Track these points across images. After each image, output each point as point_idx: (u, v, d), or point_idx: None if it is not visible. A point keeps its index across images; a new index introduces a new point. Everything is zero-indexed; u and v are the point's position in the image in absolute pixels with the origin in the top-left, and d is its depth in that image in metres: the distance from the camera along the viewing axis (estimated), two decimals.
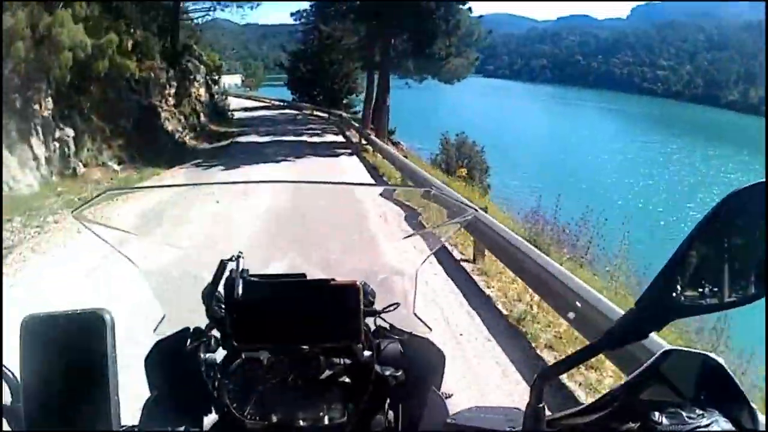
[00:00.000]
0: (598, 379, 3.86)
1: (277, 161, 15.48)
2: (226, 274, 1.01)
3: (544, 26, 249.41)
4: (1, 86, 9.22)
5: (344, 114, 27.99)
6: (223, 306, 1.03)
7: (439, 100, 70.17)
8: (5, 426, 0.79)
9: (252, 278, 1.02)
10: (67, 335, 0.74)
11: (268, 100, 44.21)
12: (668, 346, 0.69)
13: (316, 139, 21.85)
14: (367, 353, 1.05)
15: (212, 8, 27.06)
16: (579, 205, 12.91)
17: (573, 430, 0.72)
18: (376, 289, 1.11)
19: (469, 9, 22.34)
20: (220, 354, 1.04)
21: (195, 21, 27.76)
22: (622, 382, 0.69)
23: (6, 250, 6.45)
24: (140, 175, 12.74)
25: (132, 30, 15.88)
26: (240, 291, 0.98)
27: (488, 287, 5.67)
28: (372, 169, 14.45)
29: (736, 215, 0.60)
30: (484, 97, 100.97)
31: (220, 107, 29.61)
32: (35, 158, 10.33)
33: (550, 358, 4.15)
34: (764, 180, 0.58)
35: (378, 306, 1.10)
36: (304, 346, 1.02)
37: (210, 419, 1.01)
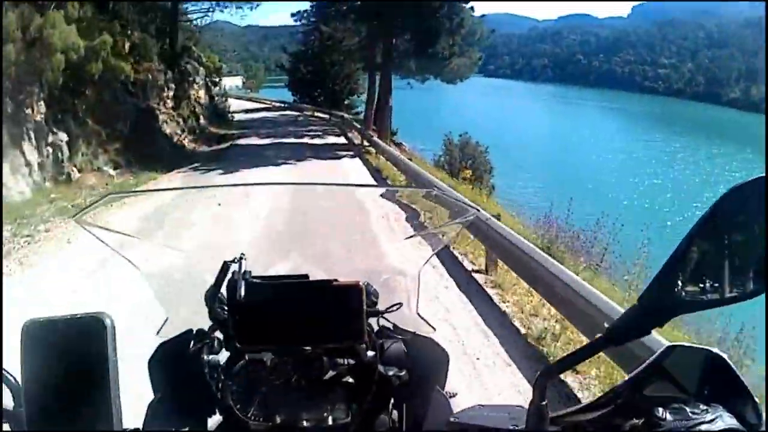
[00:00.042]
0: None
1: (278, 164, 15.14)
2: (229, 275, 1.01)
3: (545, 26, 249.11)
4: (1, 86, 8.95)
5: (346, 115, 27.74)
6: (226, 308, 1.02)
7: (441, 100, 69.96)
8: (6, 429, 0.79)
9: (254, 279, 1.01)
10: (67, 339, 0.75)
11: (268, 102, 43.92)
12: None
13: (317, 141, 21.49)
14: (370, 353, 1.04)
15: (211, 9, 26.79)
16: (587, 206, 12.58)
17: (576, 428, 0.71)
18: (379, 289, 1.11)
19: (471, 8, 22.06)
20: (223, 355, 1.04)
21: (194, 22, 27.47)
22: (626, 379, 0.68)
23: None
24: (136, 180, 12.40)
25: (129, 32, 15.59)
26: (243, 292, 0.96)
27: (503, 301, 5.30)
28: (375, 172, 14.09)
29: (735, 211, 0.59)
30: (485, 97, 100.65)
31: (220, 109, 29.37)
32: (27, 164, 10.00)
33: (575, 384, 3.78)
34: (763, 175, 0.58)
35: (381, 306, 1.10)
36: (308, 347, 1.01)
37: (214, 421, 1.01)
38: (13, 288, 5.27)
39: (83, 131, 12.01)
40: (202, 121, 23.29)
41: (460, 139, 22.82)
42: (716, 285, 0.61)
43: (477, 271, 6.13)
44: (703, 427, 0.61)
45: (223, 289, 1.02)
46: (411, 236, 1.50)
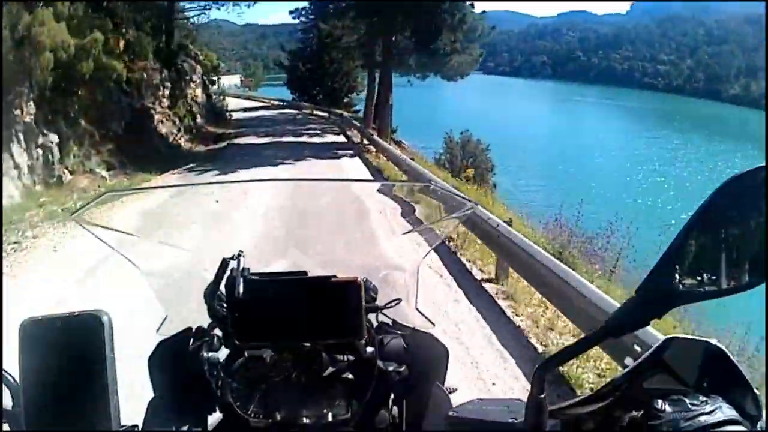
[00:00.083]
0: None
1: (276, 164, 14.74)
2: (228, 273, 1.01)
3: (544, 22, 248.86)
4: (1, 87, 8.69)
5: (345, 113, 27.39)
6: (225, 305, 1.03)
7: (439, 97, 69.73)
8: (6, 428, 0.78)
9: (253, 276, 1.01)
10: (65, 337, 0.76)
11: (267, 100, 43.53)
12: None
13: (316, 139, 21.09)
14: (369, 349, 1.03)
15: (208, 7, 26.44)
16: (592, 205, 12.25)
17: (576, 420, 0.71)
18: (378, 285, 1.11)
19: (472, 5, 21.68)
20: (222, 353, 1.03)
21: (191, 20, 27.11)
22: (625, 371, 0.66)
23: None
24: (130, 182, 12.06)
25: (124, 29, 15.22)
26: (241, 289, 0.96)
27: (516, 314, 4.95)
28: (376, 172, 13.72)
29: (734, 201, 0.59)
30: (484, 94, 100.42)
31: (218, 108, 29.06)
32: (16, 167, 9.64)
33: None
34: (762, 165, 0.57)
35: (380, 302, 1.10)
36: (307, 344, 1.01)
37: (214, 418, 1.01)
38: None
39: (75, 132, 11.65)
40: (198, 120, 22.91)
41: (461, 137, 22.52)
42: (714, 276, 0.60)
43: (487, 280, 5.78)
44: (703, 418, 0.60)
45: (222, 287, 1.02)
46: (408, 231, 1.46)
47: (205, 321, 1.04)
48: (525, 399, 0.72)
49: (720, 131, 68.06)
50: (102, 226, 1.15)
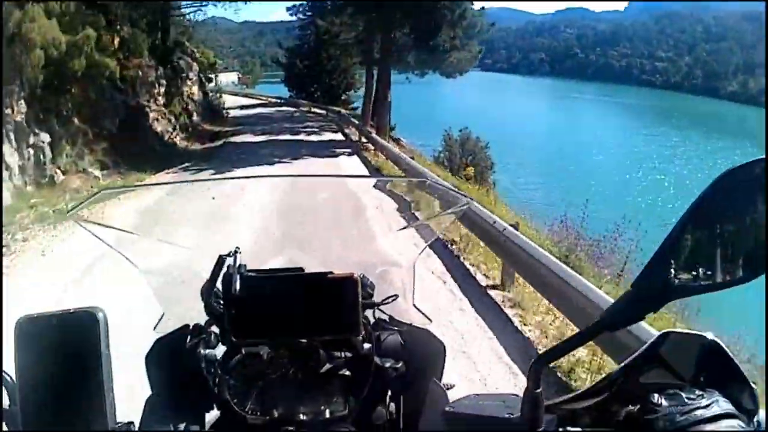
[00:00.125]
0: None
1: (272, 163, 14.54)
2: (224, 269, 1.01)
3: (542, 19, 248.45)
4: (1, 87, 8.52)
5: (343, 110, 27.12)
6: (222, 302, 1.02)
7: (437, 94, 69.52)
8: (3, 427, 0.77)
9: (250, 273, 1.01)
10: (61, 335, 0.75)
11: (264, 98, 43.32)
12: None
13: (313, 137, 20.83)
14: (366, 345, 1.03)
15: (204, 4, 26.13)
16: (592, 205, 12.04)
17: (572, 415, 0.71)
18: (375, 281, 1.11)
19: (471, 1, 21.43)
20: (219, 350, 1.03)
21: (187, 17, 26.82)
22: (621, 366, 0.66)
23: None
24: (124, 181, 11.80)
25: (119, 26, 14.95)
26: (238, 286, 0.96)
27: (524, 324, 4.74)
28: (375, 172, 13.44)
29: (729, 195, 0.59)
30: (482, 91, 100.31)
31: (215, 106, 28.87)
32: (7, 167, 9.38)
33: None
34: (762, 158, 0.57)
35: (377, 298, 1.10)
36: (304, 340, 1.00)
37: (211, 415, 1.00)
38: None
39: (67, 131, 11.38)
40: (195, 118, 22.65)
41: (459, 135, 22.32)
42: (709, 270, 0.60)
43: (493, 287, 5.57)
44: (699, 412, 0.60)
45: (219, 284, 1.02)
46: (404, 227, 1.45)
47: (202, 318, 1.04)
48: (521, 394, 0.71)
49: (718, 128, 68.03)
50: (98, 224, 1.15)
